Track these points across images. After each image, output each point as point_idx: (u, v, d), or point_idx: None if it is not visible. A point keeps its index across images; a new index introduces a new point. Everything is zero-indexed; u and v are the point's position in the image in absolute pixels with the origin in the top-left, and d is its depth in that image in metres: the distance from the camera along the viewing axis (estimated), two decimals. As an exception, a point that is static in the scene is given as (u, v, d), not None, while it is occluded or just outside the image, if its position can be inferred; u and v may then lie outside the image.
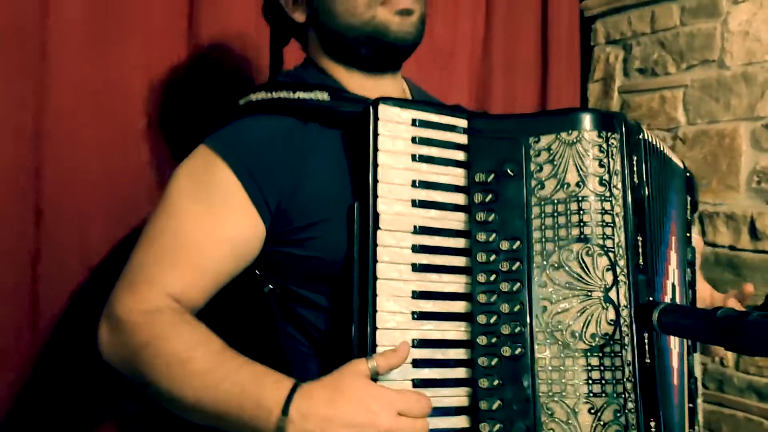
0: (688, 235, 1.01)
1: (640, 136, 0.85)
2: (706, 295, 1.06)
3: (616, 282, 0.73)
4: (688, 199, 1.04)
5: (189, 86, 1.43)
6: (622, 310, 0.73)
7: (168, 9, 1.42)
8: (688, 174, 1.05)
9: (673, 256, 0.91)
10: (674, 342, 0.87)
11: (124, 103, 1.37)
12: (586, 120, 0.78)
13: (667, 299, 0.87)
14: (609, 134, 0.78)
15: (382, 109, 0.79)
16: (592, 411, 0.71)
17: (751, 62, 1.69)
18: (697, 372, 1.02)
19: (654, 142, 0.89)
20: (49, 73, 1.30)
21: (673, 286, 0.89)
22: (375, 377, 0.69)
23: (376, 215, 0.76)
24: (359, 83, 0.93)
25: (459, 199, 0.81)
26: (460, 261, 0.79)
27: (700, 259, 1.08)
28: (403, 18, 0.88)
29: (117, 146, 1.36)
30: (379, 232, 0.75)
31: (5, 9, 1.25)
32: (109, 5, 1.35)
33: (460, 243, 0.79)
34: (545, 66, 2.16)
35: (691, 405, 0.94)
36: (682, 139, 1.87)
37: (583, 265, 0.73)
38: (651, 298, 0.77)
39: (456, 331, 0.77)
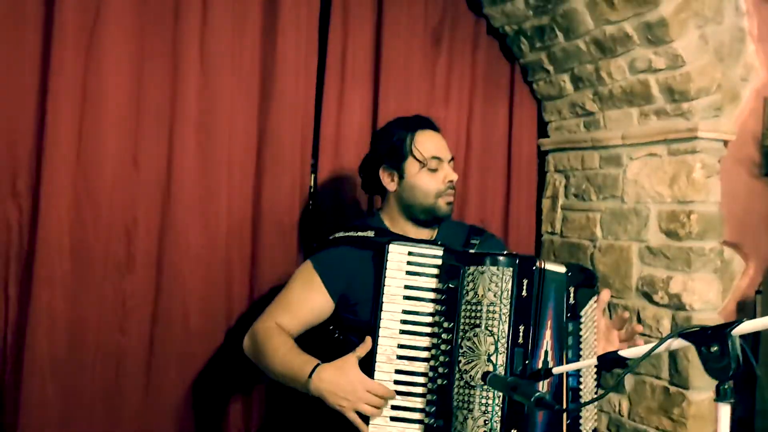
0: (569, 314, 1.48)
1: (534, 266, 1.42)
2: (602, 325, 1.60)
3: (496, 351, 1.35)
4: (572, 290, 1.50)
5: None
6: (498, 368, 1.34)
7: (244, 166, 2.13)
8: (569, 274, 1.49)
9: (548, 332, 1.45)
10: (541, 385, 1.45)
11: (216, 218, 2.05)
12: (494, 261, 1.40)
13: (541, 359, 1.42)
14: (505, 269, 1.40)
15: (392, 246, 1.45)
16: (475, 418, 1.33)
17: (639, 201, 2.32)
18: (585, 408, 1.53)
19: (543, 267, 1.44)
20: (171, 196, 1.99)
21: (546, 352, 1.46)
22: (360, 359, 1.37)
23: (382, 303, 1.41)
24: (406, 229, 1.64)
25: (431, 295, 1.44)
26: (425, 329, 1.42)
27: (602, 305, 1.58)
28: (448, 206, 1.63)
29: (209, 250, 2.05)
30: (383, 313, 1.40)
31: (155, 159, 1.94)
32: (209, 158, 2.05)
33: (427, 319, 1.42)
34: (508, 187, 2.76)
35: (568, 422, 1.48)
36: (599, 249, 2.50)
37: (480, 339, 1.36)
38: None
39: (419, 365, 1.40)
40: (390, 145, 1.65)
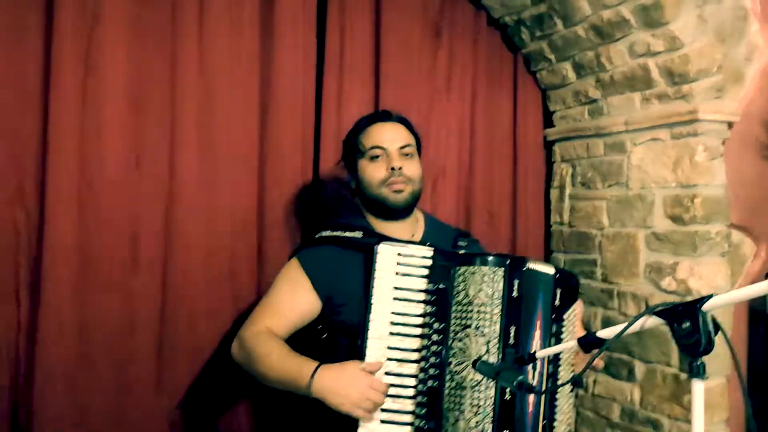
0: (554, 316, 1.46)
1: (525, 267, 1.40)
2: (579, 333, 1.52)
3: (488, 351, 1.33)
4: (558, 291, 1.48)
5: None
6: (490, 368, 1.32)
7: (246, 162, 2.13)
8: (557, 276, 1.47)
9: (537, 333, 1.43)
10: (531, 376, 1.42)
11: (220, 216, 2.06)
12: (484, 261, 1.39)
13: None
14: (496, 269, 1.37)
15: (381, 246, 1.42)
16: (467, 419, 1.32)
17: (643, 187, 2.27)
18: (560, 412, 1.51)
19: (533, 268, 1.42)
20: (174, 195, 1.99)
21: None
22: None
23: (371, 305, 1.38)
24: (381, 226, 1.59)
25: (420, 296, 1.42)
26: (415, 330, 1.40)
27: (580, 315, 1.58)
28: (396, 194, 1.55)
29: (214, 247, 2.06)
30: (371, 314, 1.38)
31: (157, 160, 1.95)
32: (210, 157, 2.06)
33: (417, 321, 1.40)
34: (515, 177, 2.71)
35: (544, 422, 1.45)
36: (607, 237, 2.45)
37: (471, 340, 1.34)
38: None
39: (409, 367, 1.38)
40: (346, 146, 1.67)
